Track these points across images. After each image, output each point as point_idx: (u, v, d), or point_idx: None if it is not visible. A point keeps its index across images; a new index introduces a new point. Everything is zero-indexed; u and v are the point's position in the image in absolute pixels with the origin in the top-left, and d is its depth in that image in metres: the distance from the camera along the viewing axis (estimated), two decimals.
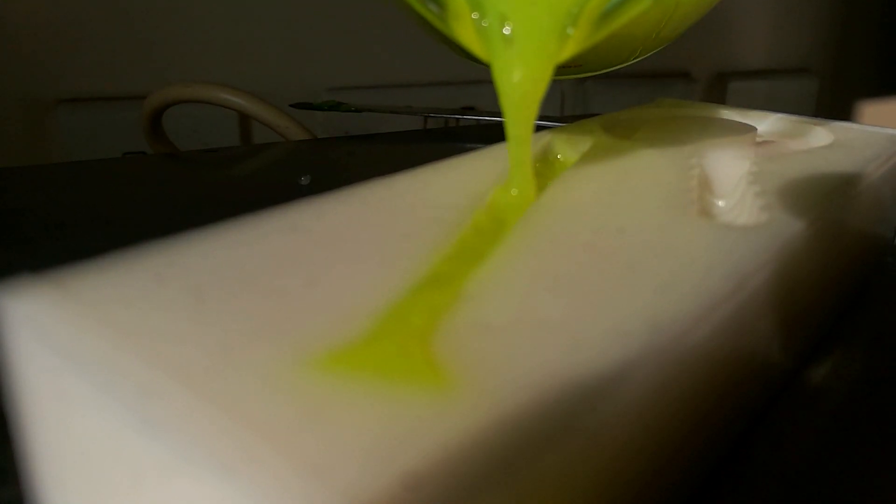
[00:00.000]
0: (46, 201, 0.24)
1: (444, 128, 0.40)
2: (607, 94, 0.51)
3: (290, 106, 0.34)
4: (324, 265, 0.09)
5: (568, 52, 0.13)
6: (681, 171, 0.14)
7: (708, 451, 0.11)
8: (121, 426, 0.07)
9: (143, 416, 0.06)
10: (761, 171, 0.14)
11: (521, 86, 0.12)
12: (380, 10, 0.47)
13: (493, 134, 0.33)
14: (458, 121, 0.39)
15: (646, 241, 0.11)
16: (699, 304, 0.09)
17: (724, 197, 0.14)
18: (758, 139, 0.17)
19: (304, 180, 0.25)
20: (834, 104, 0.59)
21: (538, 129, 0.17)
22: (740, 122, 0.18)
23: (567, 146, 0.15)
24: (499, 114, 0.32)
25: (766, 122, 0.19)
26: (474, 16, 0.12)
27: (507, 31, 0.12)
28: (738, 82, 0.56)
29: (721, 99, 0.57)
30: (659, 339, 0.08)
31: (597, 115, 0.18)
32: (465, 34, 0.13)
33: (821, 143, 0.17)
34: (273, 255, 0.10)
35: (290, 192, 0.25)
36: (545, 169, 0.14)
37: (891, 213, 0.17)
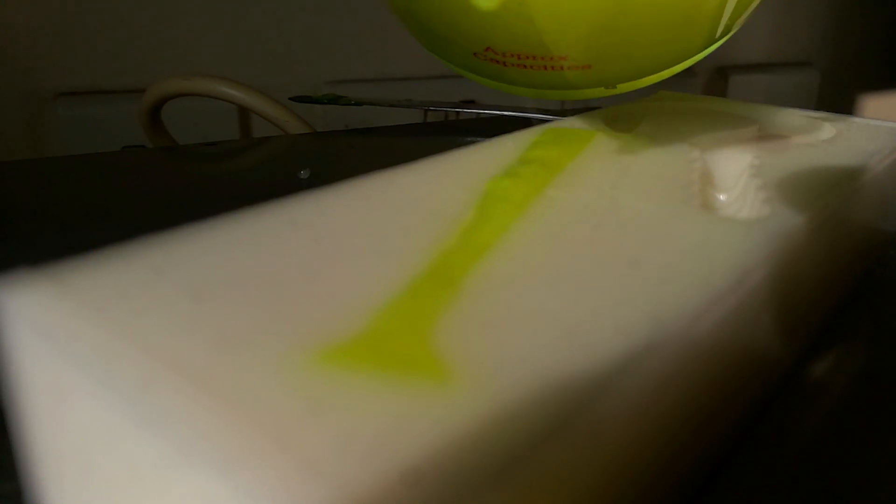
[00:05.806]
0: (45, 195, 0.24)
1: (445, 121, 0.40)
2: None
3: (290, 99, 0.34)
4: (323, 259, 0.09)
5: None
6: (682, 165, 0.14)
7: (709, 446, 0.11)
8: (118, 420, 0.07)
9: (141, 411, 0.06)
10: (763, 165, 0.14)
11: None
12: (380, 2, 0.47)
13: (494, 127, 0.33)
14: (458, 114, 0.39)
15: (648, 235, 0.11)
16: (701, 298, 0.09)
17: (726, 191, 0.14)
18: (759, 133, 0.17)
19: (304, 174, 0.25)
20: (835, 98, 0.59)
21: (537, 122, 0.17)
22: (741, 116, 0.18)
23: (568, 140, 0.15)
24: (499, 107, 0.32)
25: (767, 116, 0.19)
26: None
27: None
28: (739, 76, 0.56)
29: (722, 93, 0.57)
30: (661, 333, 0.08)
31: (597, 108, 0.18)
32: None
33: (823, 137, 0.17)
34: (272, 249, 0.09)
35: (289, 186, 0.25)
36: (545, 164, 0.14)
37: (893, 206, 0.17)
